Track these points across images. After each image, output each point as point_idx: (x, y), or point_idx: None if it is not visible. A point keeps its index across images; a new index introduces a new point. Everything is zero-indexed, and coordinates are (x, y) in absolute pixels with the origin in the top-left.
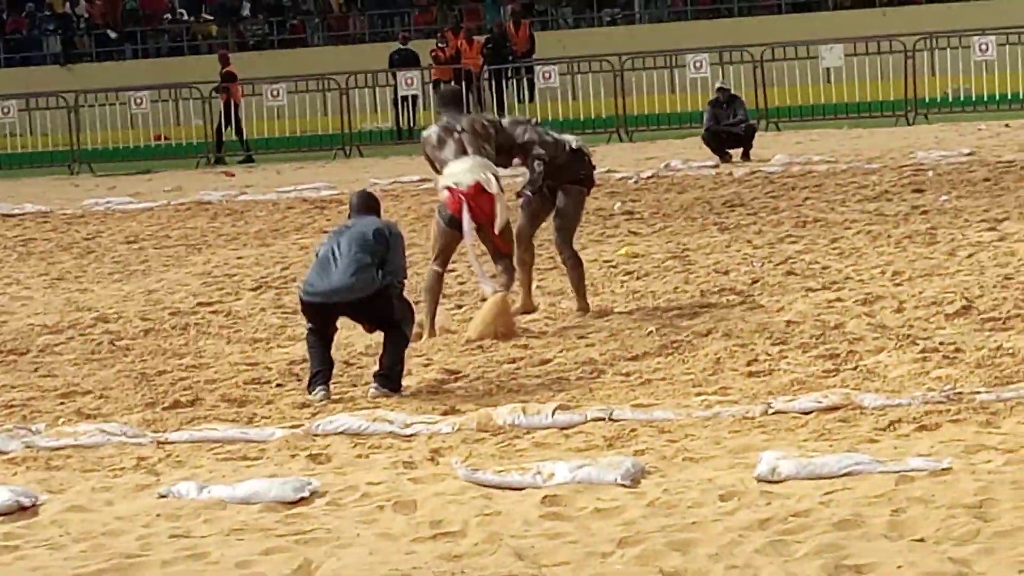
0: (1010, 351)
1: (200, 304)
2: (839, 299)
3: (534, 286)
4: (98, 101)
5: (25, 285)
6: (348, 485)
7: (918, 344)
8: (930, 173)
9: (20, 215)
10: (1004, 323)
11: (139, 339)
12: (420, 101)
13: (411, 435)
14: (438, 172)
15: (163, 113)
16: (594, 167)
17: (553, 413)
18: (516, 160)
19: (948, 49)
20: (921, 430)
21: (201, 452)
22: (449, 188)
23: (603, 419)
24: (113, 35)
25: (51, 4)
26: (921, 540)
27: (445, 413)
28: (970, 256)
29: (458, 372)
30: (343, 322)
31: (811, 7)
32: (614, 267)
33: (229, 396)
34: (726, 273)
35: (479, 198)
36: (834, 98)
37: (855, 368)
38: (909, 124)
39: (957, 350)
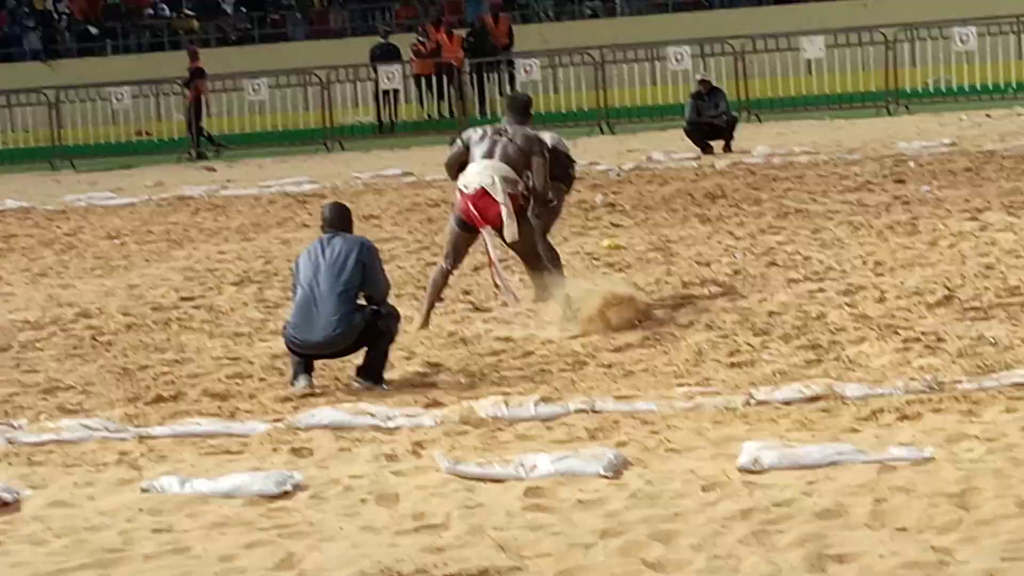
0: (991, 340)
1: (182, 299)
2: (821, 290)
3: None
4: (79, 97)
5: (7, 281)
6: (330, 478)
7: (900, 334)
8: (911, 163)
9: (1, 211)
10: (985, 312)
11: (121, 334)
12: (401, 95)
13: (393, 428)
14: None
15: (144, 109)
16: (574, 162)
17: (535, 405)
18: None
19: (929, 40)
20: (903, 420)
21: (183, 446)
22: (460, 190)
23: (585, 411)
24: (94, 31)
25: (32, 1)
26: (903, 529)
27: (427, 406)
28: (951, 246)
29: (440, 365)
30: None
31: None
32: (596, 259)
33: (211, 390)
34: (708, 265)
35: (482, 201)
36: (815, 89)
37: (837, 358)
38: (890, 115)
39: (939, 340)
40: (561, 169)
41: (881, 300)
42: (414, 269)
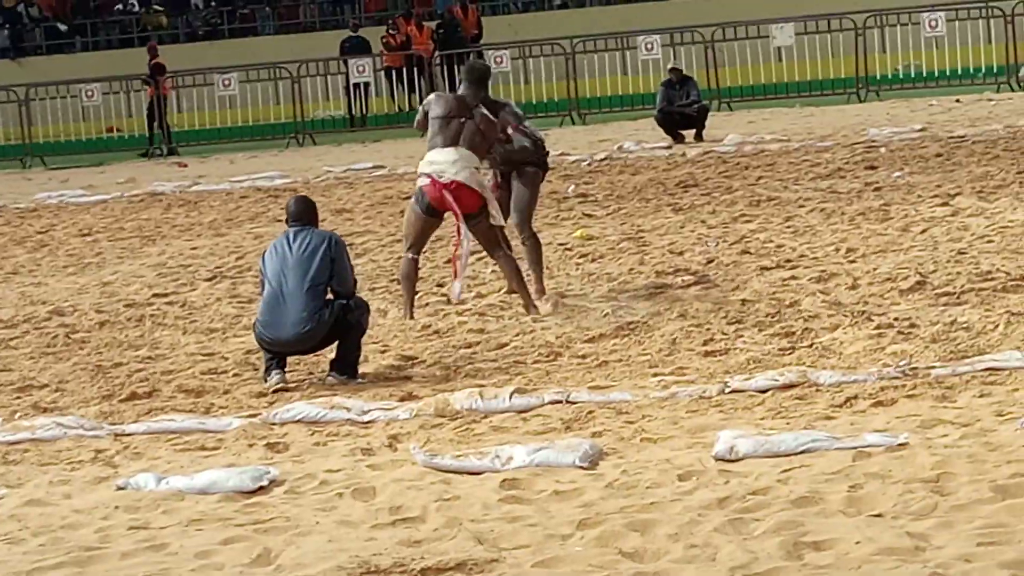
0: (964, 325)
1: (155, 295)
2: (794, 277)
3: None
4: (49, 94)
5: None
6: (306, 473)
7: (873, 320)
8: (882, 150)
9: None
10: (958, 298)
11: (95, 331)
12: (372, 88)
13: (369, 422)
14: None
15: (114, 105)
16: (547, 152)
17: (510, 397)
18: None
19: (898, 26)
20: (877, 406)
21: (159, 443)
22: (431, 177)
23: (560, 402)
24: (63, 28)
25: None
26: (879, 515)
27: (402, 399)
28: (923, 232)
29: (415, 358)
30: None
31: None
32: (569, 250)
33: (186, 387)
34: (681, 254)
35: (459, 191)
36: (785, 77)
37: (811, 345)
38: (861, 101)
39: (912, 325)
40: (536, 155)
41: (854, 287)
42: (387, 263)
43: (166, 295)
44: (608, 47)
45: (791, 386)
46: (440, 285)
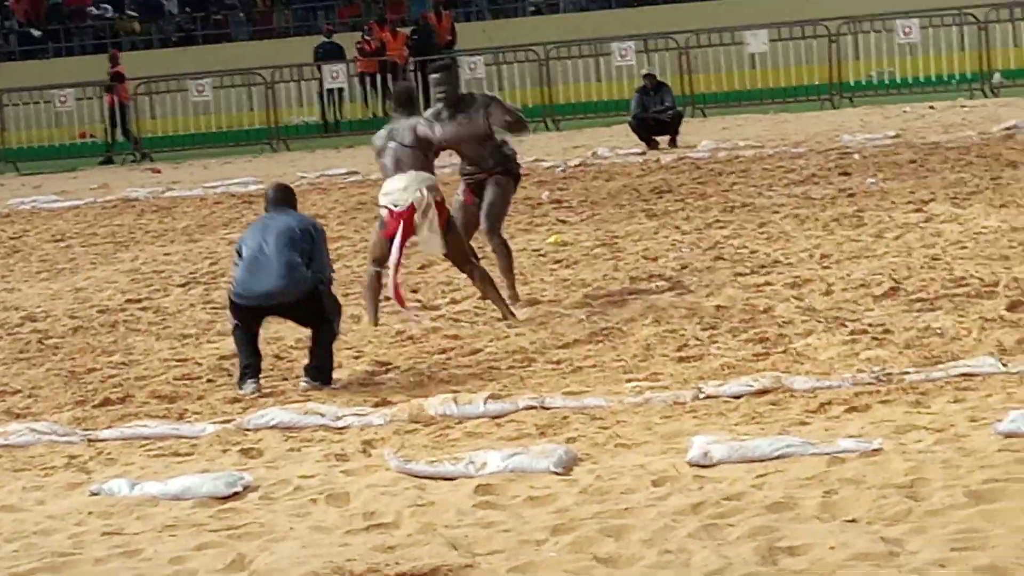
0: (938, 331)
1: (128, 301)
2: (768, 283)
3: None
4: (22, 100)
5: None
6: (280, 479)
7: (847, 326)
8: (856, 156)
9: None
10: (932, 303)
11: (68, 337)
12: (346, 94)
13: (343, 427)
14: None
15: (87, 111)
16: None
17: (485, 402)
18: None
19: (872, 33)
20: (851, 411)
21: (132, 449)
22: (389, 209)
23: (535, 407)
24: (36, 33)
25: None
26: (853, 521)
27: (377, 405)
28: (897, 238)
29: (389, 364)
30: (272, 316)
31: None
32: (543, 256)
33: (159, 392)
34: (655, 259)
35: (413, 218)
36: (759, 83)
37: (785, 351)
38: (834, 108)
39: (886, 331)
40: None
41: (828, 293)
42: (361, 268)
43: (139, 301)
44: (582, 53)
45: (765, 392)
46: (414, 291)
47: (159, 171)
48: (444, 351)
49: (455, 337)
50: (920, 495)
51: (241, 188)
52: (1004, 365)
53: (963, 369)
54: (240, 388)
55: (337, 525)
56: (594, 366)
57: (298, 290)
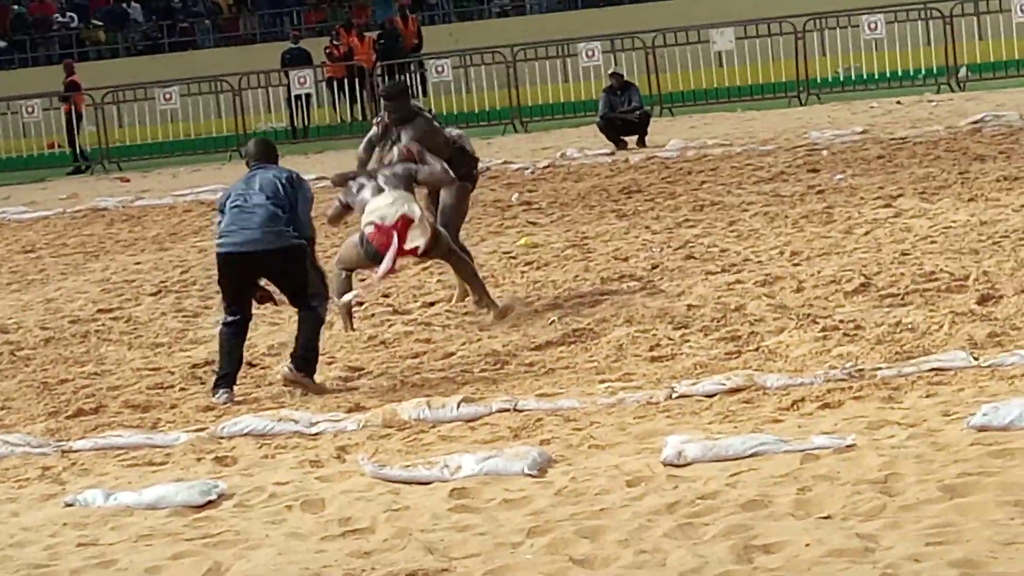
0: (909, 326)
1: (100, 311)
2: (739, 281)
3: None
4: None
5: None
6: (255, 486)
7: (818, 323)
8: (824, 152)
9: None
10: (902, 299)
11: (40, 348)
12: (314, 99)
13: (317, 434)
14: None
15: (55, 121)
16: (478, 160)
17: (458, 406)
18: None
19: (838, 29)
20: (824, 408)
21: (106, 459)
22: (376, 224)
23: (508, 410)
24: (1, 44)
25: None
26: (828, 517)
27: (350, 410)
28: (867, 233)
29: (362, 369)
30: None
31: None
32: (513, 258)
33: (132, 402)
34: (625, 260)
35: (405, 226)
36: (726, 81)
37: (757, 349)
38: (802, 104)
39: (857, 327)
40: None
41: (799, 290)
42: (331, 273)
43: (111, 310)
44: (549, 54)
45: (738, 390)
46: (386, 295)
47: (128, 180)
48: (417, 355)
49: (427, 341)
50: (894, 490)
51: (211, 195)
52: (975, 359)
53: (935, 364)
54: (213, 396)
55: (313, 531)
56: (567, 368)
57: (279, 242)
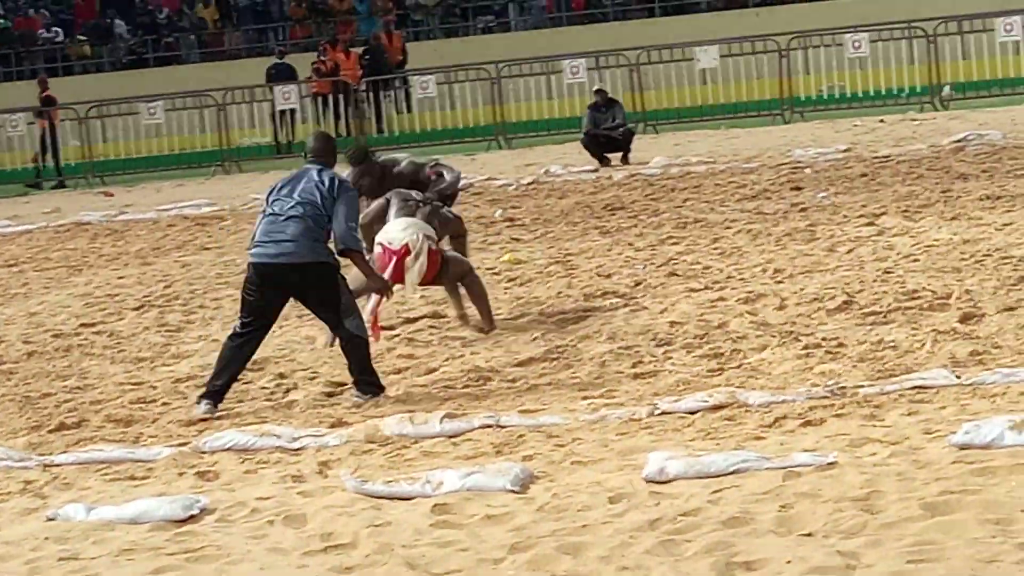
0: (891, 344)
1: (83, 325)
2: (721, 298)
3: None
4: None
5: None
6: (237, 501)
7: (801, 340)
8: (808, 170)
9: None
10: (885, 317)
11: (22, 362)
12: (298, 115)
13: (299, 449)
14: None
15: (39, 135)
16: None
17: (441, 422)
18: None
19: (822, 47)
20: (806, 425)
21: (88, 473)
22: (383, 246)
23: (491, 426)
24: None
25: None
26: (809, 534)
27: (332, 425)
28: (850, 251)
29: (344, 384)
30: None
31: (685, 9)
32: (497, 274)
33: (115, 416)
34: (609, 276)
35: (403, 258)
36: (711, 99)
37: (739, 366)
38: (785, 123)
39: (839, 345)
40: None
41: (781, 307)
42: None
43: (94, 325)
44: (533, 71)
45: (720, 407)
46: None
47: (112, 194)
48: (399, 371)
49: (410, 356)
50: (875, 508)
51: (194, 210)
52: (957, 377)
53: (917, 382)
54: (196, 405)
55: (294, 547)
56: (549, 384)
57: (312, 256)
